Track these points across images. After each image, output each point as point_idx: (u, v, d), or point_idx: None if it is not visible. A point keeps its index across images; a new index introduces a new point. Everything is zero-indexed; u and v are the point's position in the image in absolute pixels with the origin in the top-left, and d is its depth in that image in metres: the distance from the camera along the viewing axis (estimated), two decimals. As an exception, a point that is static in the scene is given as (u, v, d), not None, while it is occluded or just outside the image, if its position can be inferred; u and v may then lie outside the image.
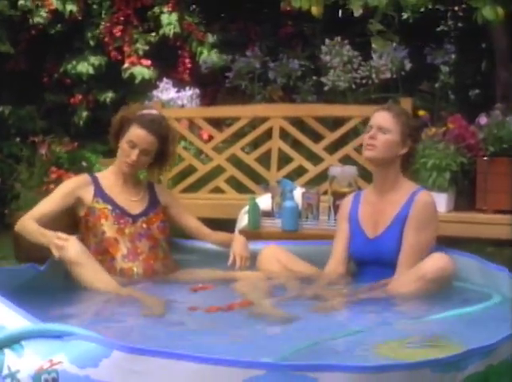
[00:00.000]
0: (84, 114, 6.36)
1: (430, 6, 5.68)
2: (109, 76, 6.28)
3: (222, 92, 6.25)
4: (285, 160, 5.19)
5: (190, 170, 5.29)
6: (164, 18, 6.24)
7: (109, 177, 3.55)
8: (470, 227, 4.29)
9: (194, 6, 6.50)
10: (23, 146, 6.14)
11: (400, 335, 2.51)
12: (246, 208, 4.05)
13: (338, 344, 2.40)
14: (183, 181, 5.26)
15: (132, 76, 6.19)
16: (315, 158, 5.09)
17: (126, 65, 6.22)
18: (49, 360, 2.04)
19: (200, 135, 5.61)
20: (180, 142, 5.20)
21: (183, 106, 5.85)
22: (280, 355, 2.16)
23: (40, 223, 3.31)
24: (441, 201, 4.26)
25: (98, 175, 3.59)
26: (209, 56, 6.21)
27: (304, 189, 4.18)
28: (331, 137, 5.10)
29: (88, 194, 3.45)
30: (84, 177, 3.56)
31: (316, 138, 5.16)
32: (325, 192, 4.21)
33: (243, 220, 4.08)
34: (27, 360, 2.09)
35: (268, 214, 4.14)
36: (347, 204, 3.40)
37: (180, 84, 6.00)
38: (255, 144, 5.42)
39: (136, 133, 3.41)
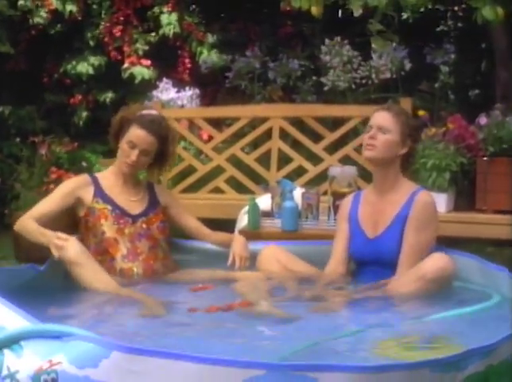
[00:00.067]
0: (84, 114, 6.37)
1: (430, 6, 5.68)
2: (109, 76, 6.29)
3: (222, 92, 6.26)
4: (284, 160, 5.19)
5: (190, 170, 5.29)
6: (164, 18, 6.24)
7: (109, 177, 3.55)
8: (470, 227, 4.29)
9: (194, 6, 6.51)
10: (23, 146, 6.15)
11: (400, 335, 2.51)
12: (246, 208, 4.05)
13: (338, 344, 2.39)
14: (183, 182, 5.26)
15: (132, 76, 6.19)
16: (314, 158, 5.09)
17: (125, 65, 6.22)
18: (49, 361, 2.04)
19: (200, 135, 5.61)
20: (179, 143, 5.20)
21: (183, 106, 5.85)
22: (280, 355, 2.16)
23: (39, 223, 3.30)
24: (441, 201, 4.25)
25: (98, 175, 3.59)
26: (209, 56, 6.22)
27: (303, 189, 4.18)
28: (330, 137, 5.10)
29: (88, 194, 3.45)
30: (84, 178, 3.56)
31: (316, 138, 5.16)
32: (325, 193, 4.21)
33: (243, 221, 4.08)
34: (26, 360, 2.09)
35: (268, 214, 4.14)
36: (346, 204, 3.40)
37: (179, 84, 6.00)
38: (255, 144, 5.42)
39: (136, 133, 3.41)
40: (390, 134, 3.19)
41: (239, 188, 5.16)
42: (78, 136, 6.31)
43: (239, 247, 3.54)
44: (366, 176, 4.27)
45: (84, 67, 6.24)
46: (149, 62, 6.23)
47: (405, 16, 5.86)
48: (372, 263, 3.21)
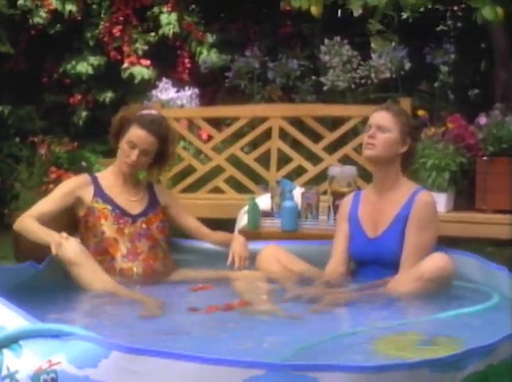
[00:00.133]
0: (84, 114, 6.36)
1: (429, 6, 5.68)
2: (108, 76, 6.28)
3: (221, 92, 6.25)
4: (284, 160, 5.19)
5: (189, 170, 5.29)
6: (164, 18, 6.24)
7: (109, 177, 3.55)
8: (469, 227, 4.29)
9: (193, 6, 6.50)
10: (23, 146, 6.14)
11: (400, 335, 2.51)
12: (246, 208, 4.05)
13: (338, 344, 2.39)
14: (182, 181, 5.26)
15: (131, 76, 6.19)
16: (314, 158, 5.09)
17: (125, 65, 6.22)
18: (48, 361, 2.04)
19: (200, 135, 5.61)
20: (179, 142, 5.20)
21: (182, 106, 5.84)
22: (280, 356, 2.16)
23: (39, 222, 3.31)
24: (441, 201, 4.25)
25: (98, 175, 3.59)
26: (208, 56, 6.21)
27: (303, 189, 4.18)
28: (330, 137, 5.10)
29: (88, 194, 3.45)
30: (84, 177, 3.56)
31: (316, 138, 5.16)
32: (324, 192, 4.21)
33: (243, 220, 4.08)
34: (26, 360, 2.09)
35: (267, 214, 4.14)
36: (346, 203, 3.39)
37: (179, 84, 6.00)
38: (254, 144, 5.41)
39: (136, 133, 3.41)
40: (390, 133, 3.19)
41: (239, 188, 5.16)
42: (77, 136, 6.31)
43: (239, 246, 3.54)
44: (365, 176, 4.27)
45: (84, 67, 6.24)
46: (148, 62, 6.23)
47: (404, 16, 5.85)
48: (372, 263, 3.21)
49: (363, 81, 5.61)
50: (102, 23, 6.30)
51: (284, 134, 5.24)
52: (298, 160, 5.11)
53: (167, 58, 6.30)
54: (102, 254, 3.35)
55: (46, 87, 6.48)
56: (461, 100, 5.78)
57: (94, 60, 6.27)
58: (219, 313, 2.80)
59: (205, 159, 5.47)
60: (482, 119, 4.50)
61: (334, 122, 5.25)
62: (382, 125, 3.19)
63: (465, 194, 4.48)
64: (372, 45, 5.38)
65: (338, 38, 5.68)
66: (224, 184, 5.20)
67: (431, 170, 4.36)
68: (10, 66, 6.36)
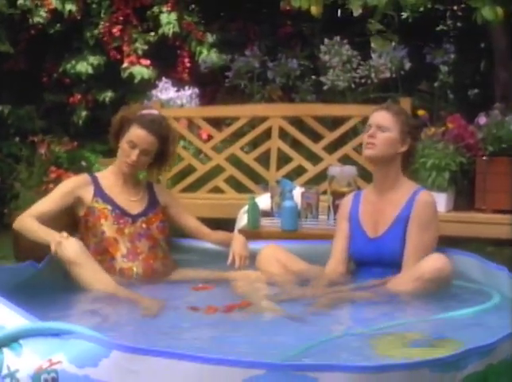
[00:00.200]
0: (83, 113, 6.36)
1: (429, 6, 5.67)
2: (108, 76, 6.28)
3: (221, 92, 6.25)
4: (284, 160, 5.19)
5: (189, 170, 5.29)
6: (164, 18, 6.24)
7: (109, 177, 3.55)
8: (469, 226, 4.29)
9: (193, 6, 6.50)
10: (22, 145, 6.14)
11: (400, 334, 2.51)
12: (246, 207, 4.05)
13: (338, 344, 2.39)
14: (182, 181, 5.26)
15: (131, 76, 6.19)
16: (314, 158, 5.09)
17: (125, 65, 6.22)
18: (48, 360, 2.04)
19: (199, 135, 5.61)
20: (179, 142, 5.19)
21: (182, 105, 5.84)
22: (280, 356, 2.16)
23: (38, 221, 3.31)
24: (440, 201, 4.25)
25: (98, 175, 3.59)
26: (208, 56, 6.21)
27: (303, 189, 4.18)
28: (330, 136, 5.10)
29: (88, 194, 3.45)
30: (84, 177, 3.56)
31: (316, 137, 5.16)
32: (324, 192, 4.21)
33: (243, 220, 4.08)
34: (26, 359, 2.09)
35: (267, 214, 4.14)
36: (347, 203, 3.39)
37: (179, 84, 6.00)
38: (254, 144, 5.41)
39: (136, 133, 3.41)
40: (390, 133, 3.19)
41: (239, 187, 5.16)
42: (77, 135, 6.31)
43: (239, 246, 3.54)
44: (365, 175, 4.27)
45: (84, 66, 6.24)
46: (148, 61, 6.23)
47: (404, 15, 5.85)
48: (372, 263, 3.21)
49: (363, 81, 5.61)
50: (102, 23, 6.30)
51: (284, 134, 5.24)
52: (298, 160, 5.11)
53: (167, 58, 6.29)
54: (102, 254, 3.35)
55: (46, 87, 6.48)
56: (461, 100, 5.78)
57: (94, 59, 6.27)
58: (219, 314, 2.80)
59: (205, 159, 5.47)
60: (482, 119, 4.50)
61: (334, 122, 5.25)
62: (382, 124, 3.20)
63: (465, 194, 4.48)
64: (372, 45, 5.38)
65: (338, 38, 5.68)
66: (224, 183, 5.20)
67: (431, 170, 4.36)
68: (10, 66, 6.36)
